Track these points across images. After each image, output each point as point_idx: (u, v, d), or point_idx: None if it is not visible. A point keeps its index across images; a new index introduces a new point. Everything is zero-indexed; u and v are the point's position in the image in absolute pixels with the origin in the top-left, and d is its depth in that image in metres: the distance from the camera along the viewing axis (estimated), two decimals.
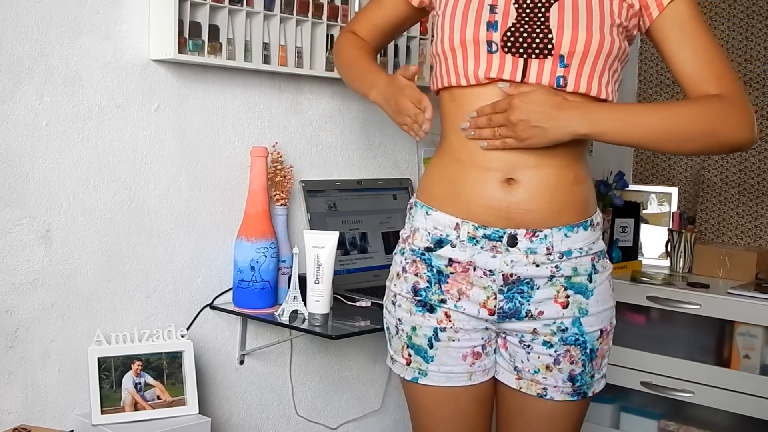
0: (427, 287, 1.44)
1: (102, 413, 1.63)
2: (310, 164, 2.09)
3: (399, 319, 1.48)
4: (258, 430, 2.05)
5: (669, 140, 1.35)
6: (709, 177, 3.05)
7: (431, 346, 1.45)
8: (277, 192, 1.93)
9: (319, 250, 1.77)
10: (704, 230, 3.05)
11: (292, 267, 1.86)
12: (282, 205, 1.94)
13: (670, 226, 2.89)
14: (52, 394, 1.66)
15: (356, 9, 2.02)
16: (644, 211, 2.94)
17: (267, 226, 1.85)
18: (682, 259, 2.83)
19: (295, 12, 1.91)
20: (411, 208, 1.50)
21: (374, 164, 2.24)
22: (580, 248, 1.40)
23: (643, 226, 2.91)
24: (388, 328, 1.53)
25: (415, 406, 1.53)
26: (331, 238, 1.78)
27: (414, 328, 1.46)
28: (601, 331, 1.44)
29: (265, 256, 1.84)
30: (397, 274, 1.49)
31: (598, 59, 1.34)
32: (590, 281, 1.41)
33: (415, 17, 1.64)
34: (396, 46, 2.16)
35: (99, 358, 1.65)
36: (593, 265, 1.42)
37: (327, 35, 1.98)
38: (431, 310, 1.44)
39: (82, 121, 1.65)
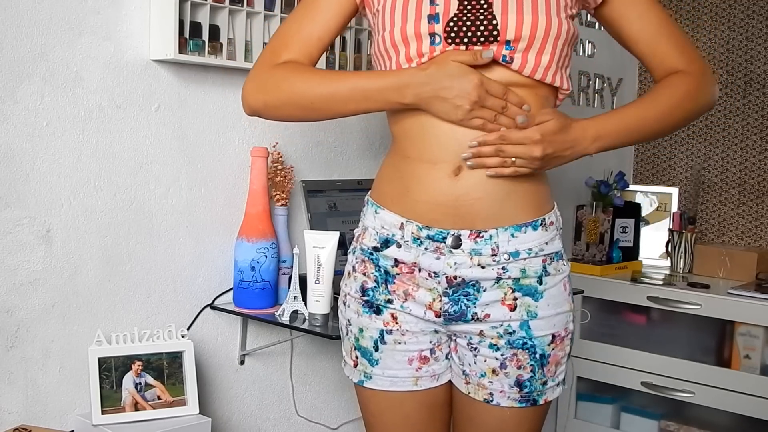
0: (375, 287, 1.40)
1: (102, 413, 1.63)
2: (311, 164, 2.09)
3: (348, 320, 1.45)
4: (258, 430, 2.05)
5: (660, 131, 1.44)
6: (709, 177, 3.05)
7: (377, 349, 1.41)
8: (278, 192, 1.93)
9: (319, 250, 1.77)
10: (704, 230, 3.05)
11: (292, 267, 1.86)
12: (282, 205, 1.94)
13: (671, 226, 2.90)
14: (52, 394, 1.66)
15: None
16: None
17: (267, 226, 1.85)
18: (682, 260, 2.83)
19: None
20: (364, 206, 1.46)
21: (374, 164, 2.24)
22: (529, 249, 1.34)
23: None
24: (341, 329, 1.50)
25: (364, 409, 1.50)
26: (332, 238, 1.78)
27: (361, 330, 1.42)
28: (553, 336, 1.38)
29: (266, 256, 1.84)
30: (348, 274, 1.46)
31: (546, 43, 1.30)
32: (540, 283, 1.36)
33: (352, 16, 1.46)
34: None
35: (99, 358, 1.65)
36: (544, 267, 1.36)
37: None
38: (378, 311, 1.40)
39: (83, 122, 1.65)
